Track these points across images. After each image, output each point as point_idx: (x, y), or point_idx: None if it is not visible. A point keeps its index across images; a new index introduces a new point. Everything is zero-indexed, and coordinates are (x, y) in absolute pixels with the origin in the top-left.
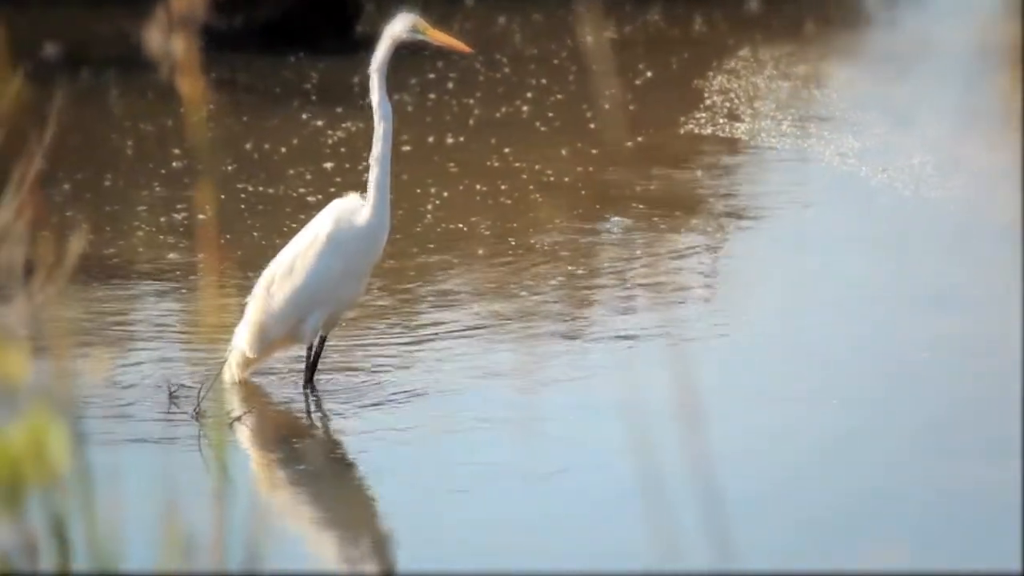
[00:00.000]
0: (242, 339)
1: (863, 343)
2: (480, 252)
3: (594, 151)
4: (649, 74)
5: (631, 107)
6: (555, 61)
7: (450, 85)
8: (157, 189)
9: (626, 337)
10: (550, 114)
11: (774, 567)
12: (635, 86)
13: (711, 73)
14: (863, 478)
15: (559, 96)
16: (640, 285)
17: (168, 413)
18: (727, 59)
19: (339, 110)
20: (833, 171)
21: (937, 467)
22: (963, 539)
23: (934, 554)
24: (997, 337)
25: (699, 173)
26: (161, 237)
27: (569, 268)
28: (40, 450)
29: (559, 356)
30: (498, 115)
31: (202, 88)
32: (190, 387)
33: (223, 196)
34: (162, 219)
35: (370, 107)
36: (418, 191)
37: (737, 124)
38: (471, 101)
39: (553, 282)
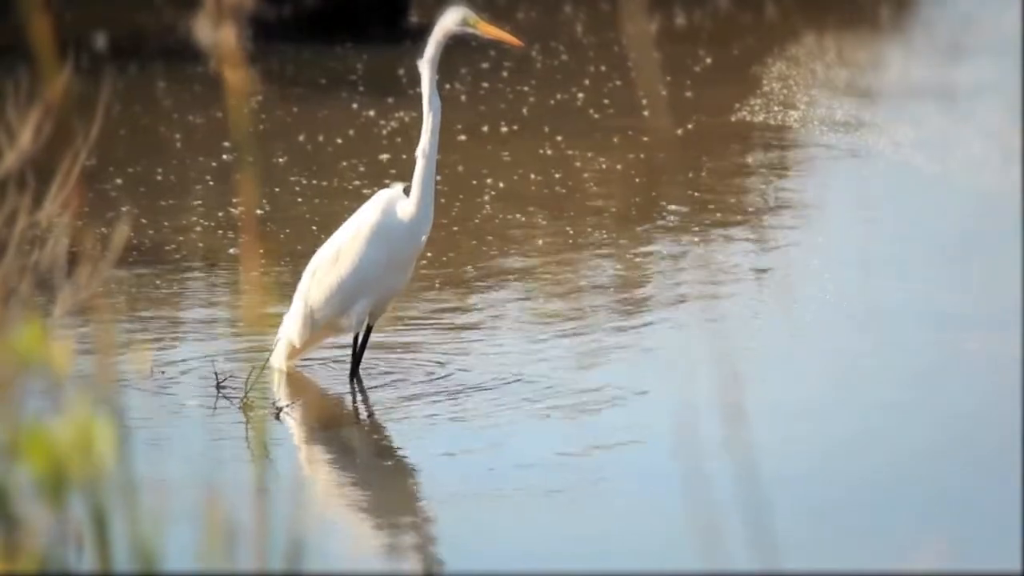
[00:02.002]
0: (288, 328)
1: (909, 340)
2: (539, 243)
3: (645, 139)
4: (709, 60)
5: (687, 94)
6: (615, 48)
7: (504, 73)
8: (210, 182)
9: (680, 330)
10: (605, 101)
11: (794, 565)
12: (694, 73)
13: (772, 60)
14: (905, 477)
15: (617, 83)
16: (693, 278)
17: (214, 403)
18: (790, 46)
19: (390, 100)
20: (886, 161)
21: (986, 465)
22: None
23: (972, 553)
24: None
25: (749, 160)
26: (220, 232)
27: (628, 256)
28: (87, 445)
29: (613, 351)
30: (552, 103)
31: (249, 79)
32: (237, 377)
33: (277, 189)
34: (220, 213)
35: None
36: (474, 182)
37: (791, 112)
38: (526, 89)
39: (611, 272)
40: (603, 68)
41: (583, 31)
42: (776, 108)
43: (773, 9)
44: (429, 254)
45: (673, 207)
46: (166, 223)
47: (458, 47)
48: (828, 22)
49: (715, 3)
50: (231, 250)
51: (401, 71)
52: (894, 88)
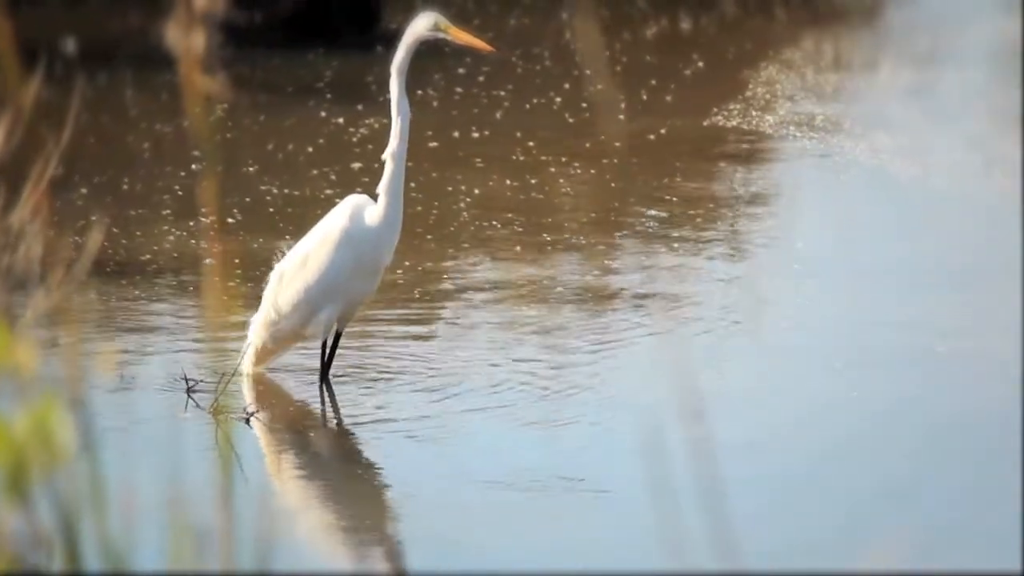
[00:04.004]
0: (256, 333)
1: (880, 342)
2: (516, 249)
3: (617, 144)
4: (701, 64)
5: (668, 98)
6: (606, 53)
7: (481, 79)
8: (179, 192)
9: (654, 337)
10: (583, 105)
11: (778, 567)
12: (682, 77)
13: (764, 63)
14: (870, 477)
15: (598, 87)
16: (668, 285)
17: (184, 409)
18: (787, 49)
19: (359, 107)
20: (863, 166)
21: (942, 467)
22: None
23: (936, 553)
24: (1018, 337)
25: (722, 165)
26: (192, 241)
27: (606, 262)
28: (45, 436)
29: (588, 357)
30: (528, 107)
31: (216, 86)
32: (208, 382)
33: (248, 199)
34: (191, 223)
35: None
36: (449, 188)
37: (767, 117)
38: (502, 94)
39: (589, 279)
40: (588, 72)
41: (572, 36)
42: (755, 113)
43: (780, 13)
44: (406, 263)
45: (652, 212)
46: (138, 232)
47: (433, 53)
48: (832, 27)
49: (721, 8)
50: (206, 261)
51: (370, 78)
52: (877, 92)
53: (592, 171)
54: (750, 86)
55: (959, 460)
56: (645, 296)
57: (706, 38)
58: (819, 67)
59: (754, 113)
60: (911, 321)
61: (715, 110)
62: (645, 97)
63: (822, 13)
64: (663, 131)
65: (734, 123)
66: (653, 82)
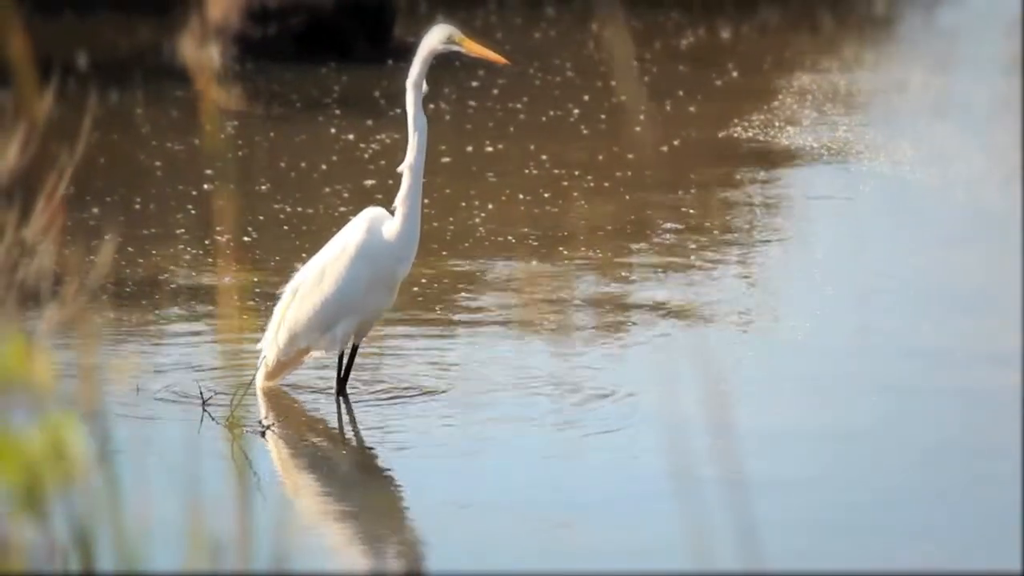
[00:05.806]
0: (271, 347)
1: (896, 351)
2: (532, 264)
3: (630, 155)
4: (735, 74)
5: (691, 109)
6: (634, 63)
7: (495, 92)
8: (192, 210)
9: (671, 348)
10: (601, 117)
11: (798, 567)
12: (713, 87)
13: (800, 73)
14: (886, 478)
15: (622, 98)
16: (686, 297)
17: (199, 422)
18: (827, 59)
19: (369, 123)
20: (880, 177)
21: (959, 466)
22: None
23: (936, 553)
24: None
25: (739, 177)
26: (209, 260)
27: (622, 275)
28: (58, 451)
29: (604, 367)
30: (544, 120)
31: (232, 99)
32: (223, 396)
33: (262, 217)
34: (207, 241)
35: (405, 116)
36: (463, 204)
37: (789, 128)
38: (517, 106)
39: (605, 291)
40: (614, 83)
41: (595, 47)
42: (777, 123)
43: (827, 21)
44: (423, 279)
45: (668, 225)
46: (153, 251)
47: (445, 66)
48: (880, 37)
49: (764, 17)
50: (223, 279)
51: (377, 93)
52: (901, 102)
53: (606, 183)
54: (780, 96)
55: (960, 460)
56: (662, 309)
57: (745, 47)
58: (854, 77)
59: (777, 124)
60: (924, 333)
61: (736, 121)
62: (668, 108)
63: (862, 21)
64: (677, 143)
65: (752, 134)
66: (680, 92)
